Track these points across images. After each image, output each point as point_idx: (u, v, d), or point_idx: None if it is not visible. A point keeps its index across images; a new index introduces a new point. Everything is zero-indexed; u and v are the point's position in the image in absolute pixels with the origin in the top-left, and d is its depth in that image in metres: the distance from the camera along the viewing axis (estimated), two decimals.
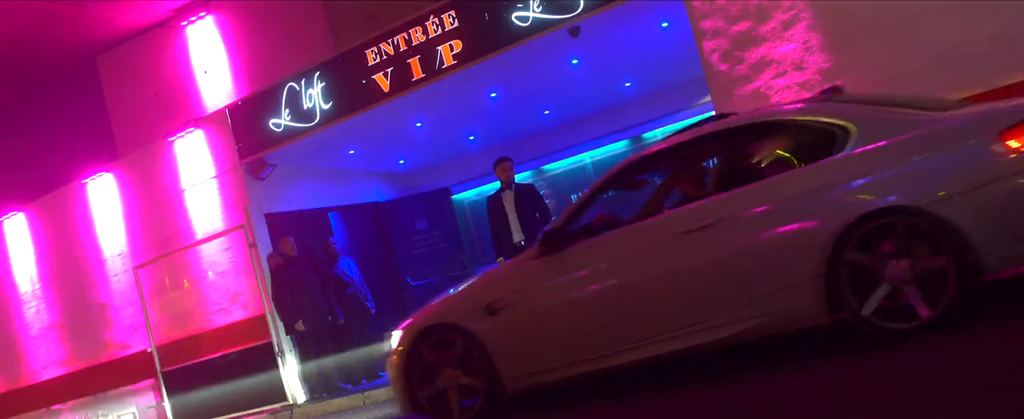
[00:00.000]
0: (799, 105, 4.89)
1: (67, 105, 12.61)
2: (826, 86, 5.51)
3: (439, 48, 8.54)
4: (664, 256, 4.53)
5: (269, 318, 9.77)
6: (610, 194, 5.10)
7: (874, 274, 4.03)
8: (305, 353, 9.57)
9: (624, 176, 5.04)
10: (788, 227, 4.22)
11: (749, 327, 4.29)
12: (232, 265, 10.22)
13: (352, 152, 11.46)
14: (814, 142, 4.39)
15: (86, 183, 11.55)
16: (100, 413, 11.53)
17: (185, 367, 10.39)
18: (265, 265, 9.76)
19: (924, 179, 4.02)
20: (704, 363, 4.72)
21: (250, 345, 9.90)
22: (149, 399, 11.04)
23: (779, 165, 4.55)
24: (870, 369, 3.74)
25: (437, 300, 5.35)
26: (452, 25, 8.48)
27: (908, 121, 4.23)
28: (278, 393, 9.69)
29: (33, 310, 12.29)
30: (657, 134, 11.99)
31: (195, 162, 10.54)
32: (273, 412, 9.66)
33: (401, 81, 8.82)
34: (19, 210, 12.39)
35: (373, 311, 10.11)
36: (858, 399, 3.27)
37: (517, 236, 7.96)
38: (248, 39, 10.83)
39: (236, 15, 10.90)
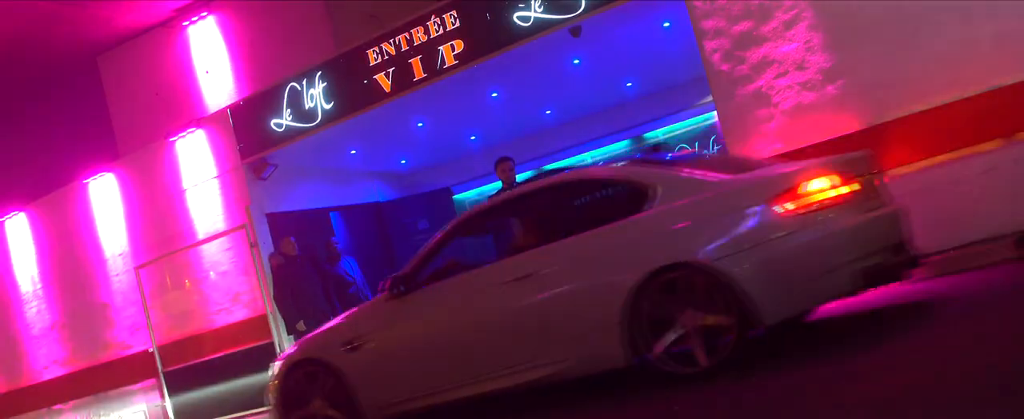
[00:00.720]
0: (614, 165, 5.38)
1: (68, 105, 12.61)
2: (650, 145, 5.92)
3: (441, 48, 8.54)
4: (491, 303, 5.02)
5: (270, 318, 9.77)
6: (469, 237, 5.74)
7: (668, 322, 4.46)
8: None
9: (466, 227, 5.56)
10: (595, 278, 4.69)
11: (564, 368, 4.76)
12: (233, 265, 10.22)
13: (354, 152, 11.46)
14: (623, 200, 4.86)
15: (87, 183, 11.55)
16: (102, 413, 11.54)
17: (186, 367, 10.39)
18: (266, 265, 9.76)
19: (710, 237, 4.45)
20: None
21: (251, 345, 9.90)
22: (149, 399, 11.04)
23: (592, 220, 4.91)
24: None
25: (312, 334, 5.98)
26: (453, 25, 8.48)
27: (702, 183, 4.71)
28: None
29: (34, 310, 12.29)
30: (658, 134, 12.02)
31: (196, 162, 10.55)
32: None
33: (402, 81, 8.82)
34: (20, 210, 12.39)
35: None
36: None
37: None
38: (249, 39, 10.83)
39: (237, 15, 10.89)
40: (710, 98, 8.04)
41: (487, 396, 5.02)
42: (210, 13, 10.99)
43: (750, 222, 4.42)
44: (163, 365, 10.61)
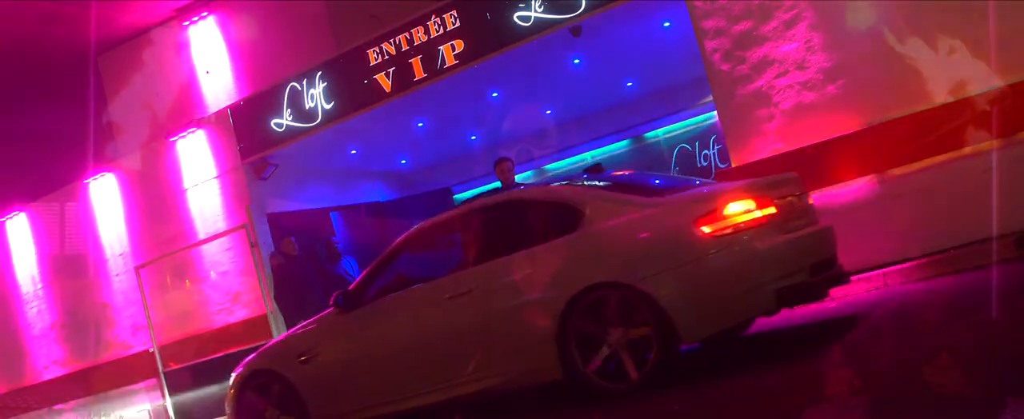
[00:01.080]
0: (550, 186, 5.58)
1: (68, 105, 12.60)
2: (591, 164, 6.14)
3: (441, 48, 8.54)
4: (434, 318, 5.20)
5: (271, 318, 9.77)
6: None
7: (598, 339, 4.63)
8: None
9: (410, 245, 5.74)
10: (529, 296, 4.84)
11: (504, 381, 4.95)
12: (234, 265, 10.22)
13: (354, 152, 11.45)
14: (557, 220, 4.98)
15: (87, 183, 11.55)
16: (102, 413, 11.54)
17: (187, 367, 10.39)
18: (267, 265, 9.76)
19: (634, 258, 4.64)
20: None
21: (252, 345, 9.88)
22: (150, 398, 11.04)
23: (528, 240, 5.06)
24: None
25: (269, 345, 6.21)
26: (454, 25, 8.48)
27: (629, 204, 4.86)
28: None
29: (34, 310, 12.30)
30: (659, 133, 12.02)
31: (197, 162, 10.54)
32: None
33: (403, 81, 8.82)
34: (20, 210, 12.39)
35: None
36: None
37: None
38: (249, 39, 10.82)
39: (237, 15, 10.88)
40: (710, 98, 8.04)
41: (430, 408, 5.21)
42: (210, 13, 10.98)
43: (673, 243, 4.59)
44: (164, 365, 10.61)
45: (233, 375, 6.02)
